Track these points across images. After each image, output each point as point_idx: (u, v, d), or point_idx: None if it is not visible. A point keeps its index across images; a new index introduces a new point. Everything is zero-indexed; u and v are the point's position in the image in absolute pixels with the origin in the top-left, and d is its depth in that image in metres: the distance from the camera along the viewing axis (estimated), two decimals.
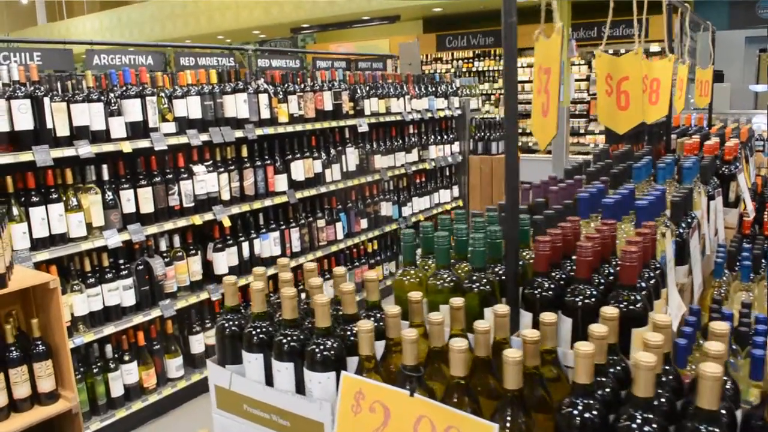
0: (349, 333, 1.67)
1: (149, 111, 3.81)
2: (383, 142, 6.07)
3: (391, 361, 1.61)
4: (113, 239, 3.63)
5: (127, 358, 3.85)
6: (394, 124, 6.22)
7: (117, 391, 3.81)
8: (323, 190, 5.23)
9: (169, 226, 3.97)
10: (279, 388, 1.63)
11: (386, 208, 6.12)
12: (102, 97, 3.66)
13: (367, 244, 5.93)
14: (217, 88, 4.24)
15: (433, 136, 6.86)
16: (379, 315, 1.79)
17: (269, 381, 1.68)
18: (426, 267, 1.96)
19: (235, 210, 4.42)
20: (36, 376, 2.95)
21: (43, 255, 3.39)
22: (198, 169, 4.15)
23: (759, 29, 14.11)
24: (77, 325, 3.59)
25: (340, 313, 1.76)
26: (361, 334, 1.52)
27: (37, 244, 3.40)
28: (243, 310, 1.85)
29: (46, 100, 3.41)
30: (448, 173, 7.21)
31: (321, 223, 5.27)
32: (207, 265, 4.33)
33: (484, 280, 1.76)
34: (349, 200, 5.69)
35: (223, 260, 4.36)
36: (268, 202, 4.69)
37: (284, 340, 1.63)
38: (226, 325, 1.78)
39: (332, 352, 1.57)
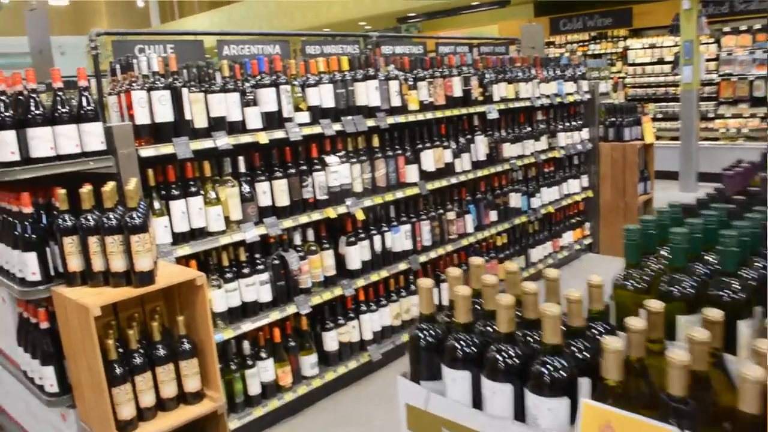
0: (578, 349, 1.38)
1: (283, 100, 3.66)
2: (511, 130, 5.72)
3: (633, 386, 1.30)
4: (251, 233, 3.51)
5: (263, 355, 3.74)
6: (522, 110, 5.85)
7: (254, 389, 3.71)
8: (453, 180, 4.95)
9: (303, 219, 3.82)
10: (491, 413, 1.37)
11: (515, 200, 5.76)
12: (238, 87, 3.55)
13: (496, 237, 5.60)
14: (348, 75, 4.05)
15: (561, 123, 6.43)
16: (601, 328, 1.49)
17: (476, 403, 1.42)
18: (649, 269, 1.64)
19: (368, 202, 4.22)
20: (182, 374, 2.86)
21: (184, 249, 3.31)
22: (331, 160, 3.98)
23: None
24: (216, 321, 3.51)
25: (525, 319, 1.46)
26: (608, 354, 1.22)
27: (178, 238, 3.33)
28: (437, 318, 1.60)
29: (185, 90, 3.32)
30: (576, 162, 6.75)
31: (451, 215, 5.00)
32: (338, 259, 4.17)
33: (739, 287, 1.42)
34: (479, 191, 5.38)
35: (356, 254, 4.18)
36: (399, 194, 4.46)
37: (501, 357, 1.35)
38: (422, 335, 1.53)
39: (565, 373, 1.29)
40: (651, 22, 11.42)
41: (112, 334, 2.68)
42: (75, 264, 2.68)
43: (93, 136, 2.83)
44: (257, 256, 3.64)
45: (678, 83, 11.61)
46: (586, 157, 6.84)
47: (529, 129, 5.93)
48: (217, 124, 3.46)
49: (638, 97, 12.06)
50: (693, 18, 9.47)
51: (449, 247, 4.98)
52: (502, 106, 5.44)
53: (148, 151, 3.17)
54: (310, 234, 3.95)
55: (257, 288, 3.61)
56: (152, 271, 2.66)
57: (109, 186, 2.66)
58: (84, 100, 2.80)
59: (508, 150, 5.61)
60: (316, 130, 3.84)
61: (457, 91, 4.92)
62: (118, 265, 2.63)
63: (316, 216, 3.89)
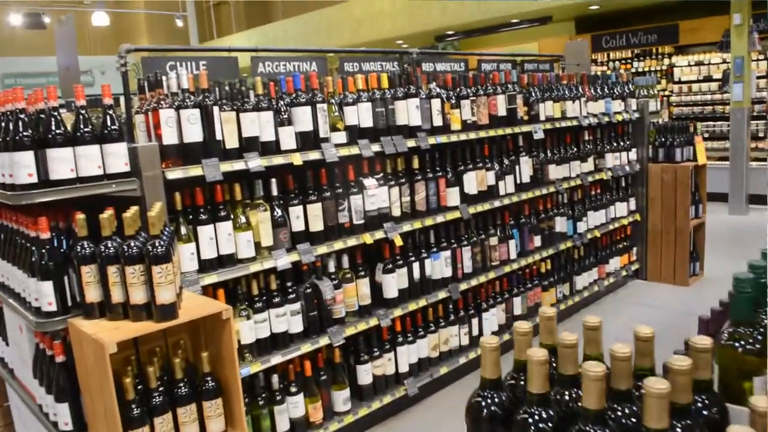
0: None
1: (320, 119, 3.45)
2: (557, 150, 5.43)
3: None
4: (283, 260, 3.29)
5: (293, 389, 3.50)
6: (568, 129, 5.56)
7: (283, 425, 3.47)
8: (496, 204, 4.68)
9: (338, 245, 3.59)
10: None
11: (560, 224, 5.46)
12: (272, 105, 3.35)
13: (540, 263, 5.30)
14: (388, 93, 3.83)
15: (608, 143, 6.12)
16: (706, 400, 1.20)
17: None
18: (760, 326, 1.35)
19: (407, 227, 3.98)
20: (205, 416, 2.63)
21: (211, 278, 3.10)
22: (369, 182, 3.76)
23: None
24: (243, 353, 3.28)
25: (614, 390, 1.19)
26: None
27: (205, 266, 3.12)
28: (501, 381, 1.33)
29: (216, 109, 3.13)
30: (623, 184, 6.41)
31: (493, 240, 4.72)
32: (374, 287, 3.92)
33: None
34: (522, 215, 5.09)
35: (393, 283, 3.93)
36: (440, 219, 4.21)
37: None
38: (484, 404, 1.27)
39: None
40: (698, 38, 11.02)
41: (131, 371, 2.47)
42: (93, 295, 2.48)
43: (117, 157, 2.65)
44: (289, 284, 3.42)
45: (726, 101, 11.18)
46: (633, 179, 6.50)
47: (576, 150, 5.63)
48: (249, 145, 3.25)
49: (684, 116, 11.63)
50: (744, 33, 9.07)
51: (491, 275, 4.70)
52: (548, 126, 5.17)
53: (175, 173, 2.98)
54: (345, 261, 3.71)
55: (288, 318, 3.38)
56: (174, 304, 2.45)
57: (131, 211, 2.47)
58: (108, 119, 2.62)
59: (554, 172, 5.32)
60: (353, 151, 3.62)
61: (502, 110, 4.67)
62: (139, 297, 2.42)
63: (352, 242, 3.66)
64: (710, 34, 10.59)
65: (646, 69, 12.00)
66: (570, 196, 5.68)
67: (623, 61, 12.22)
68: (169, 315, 2.42)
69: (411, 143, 3.94)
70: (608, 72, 11.92)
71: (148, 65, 3.64)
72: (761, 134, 10.91)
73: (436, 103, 4.12)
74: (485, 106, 4.53)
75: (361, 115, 3.67)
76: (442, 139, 4.17)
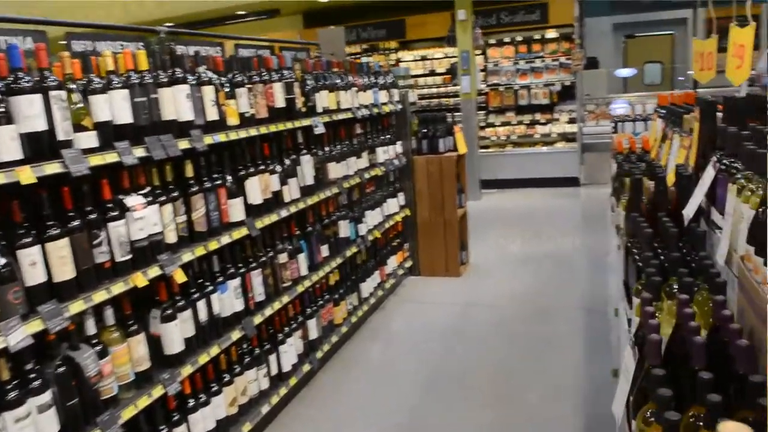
0: None
1: (56, 114, 2.31)
2: (334, 146, 4.83)
3: None
4: (16, 335, 2.11)
5: None
6: (343, 123, 4.99)
7: None
8: (283, 213, 3.90)
9: (100, 296, 2.49)
10: None
11: (344, 228, 4.88)
12: None
13: (330, 276, 4.66)
14: (148, 78, 2.80)
15: (377, 136, 5.72)
16: None
17: None
18: None
19: (187, 256, 3.00)
20: None
21: None
22: (133, 201, 2.70)
23: (624, 15, 14.34)
24: None
25: None
26: None
27: None
28: None
29: None
30: (392, 178, 6.10)
31: (283, 257, 3.94)
32: (152, 343, 2.88)
33: None
34: (308, 223, 4.39)
35: (177, 332, 2.93)
36: (225, 239, 3.30)
37: None
38: None
39: None
40: (425, 33, 11.39)
41: None
42: None
43: None
44: (30, 367, 2.24)
45: (449, 94, 11.79)
46: (401, 172, 6.22)
47: (351, 144, 5.10)
48: None
49: (413, 109, 11.99)
50: (468, 29, 9.51)
51: (285, 298, 3.92)
52: (327, 119, 4.53)
53: None
54: (110, 315, 2.62)
55: (35, 419, 2.21)
56: None
57: None
58: None
59: (335, 170, 4.71)
60: (110, 158, 2.54)
61: (280, 101, 3.90)
62: None
63: (118, 288, 2.58)
64: (436, 30, 11.01)
65: (374, 64, 12.12)
66: (349, 196, 5.14)
67: (354, 56, 12.17)
68: None
69: (184, 144, 2.97)
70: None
71: None
72: (482, 124, 11.69)
73: (208, 92, 3.19)
74: (263, 96, 3.72)
75: (116, 107, 2.59)
76: (220, 137, 3.26)
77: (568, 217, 8.75)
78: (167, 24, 11.84)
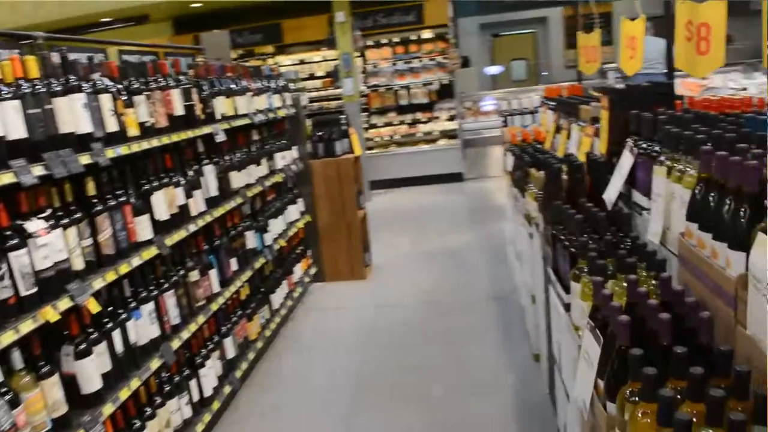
0: None
1: None
2: (234, 154, 4.61)
3: None
4: None
5: None
6: (241, 129, 4.78)
7: None
8: (192, 228, 3.65)
9: (8, 337, 2.18)
10: None
11: (251, 239, 4.67)
12: None
13: (241, 290, 4.44)
14: (40, 87, 2.50)
15: (274, 142, 5.54)
16: None
17: None
18: None
19: (98, 282, 2.71)
20: None
21: None
22: (34, 225, 2.39)
23: (490, 16, 15.01)
24: None
25: None
26: None
27: None
28: None
29: None
30: (290, 184, 5.94)
31: (194, 275, 3.69)
32: (67, 383, 2.57)
33: None
34: (215, 236, 4.15)
35: (92, 368, 2.64)
36: (136, 260, 3.03)
37: None
38: None
39: None
40: (302, 37, 11.22)
41: None
42: None
43: None
44: None
45: (330, 98, 11.72)
46: (298, 178, 6.07)
47: (249, 151, 4.90)
48: None
49: (306, 113, 11.82)
50: (348, 31, 9.50)
51: (200, 319, 3.67)
52: (226, 126, 4.31)
53: None
54: (18, 358, 2.31)
55: None
56: None
57: None
58: None
59: (237, 179, 4.50)
60: (5, 179, 2.23)
61: (179, 109, 3.65)
62: None
63: (27, 326, 2.27)
64: (313, 33, 10.89)
65: None
66: (252, 205, 4.93)
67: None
68: None
69: (85, 159, 2.68)
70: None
71: None
72: (365, 125, 11.73)
73: (106, 101, 2.91)
74: (162, 104, 3.46)
75: (8, 120, 2.29)
76: (122, 149, 2.98)
77: (458, 212, 8.94)
78: (25, 32, 10.88)
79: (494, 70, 16.47)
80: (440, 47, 11.05)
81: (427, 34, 11.09)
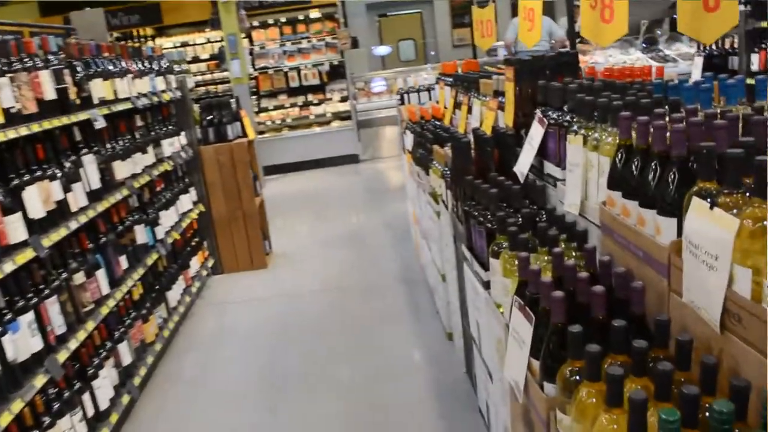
0: None
1: None
2: (116, 142, 4.22)
3: None
4: None
5: None
6: (122, 114, 4.38)
7: None
8: (73, 225, 3.29)
9: None
10: None
11: (140, 234, 4.31)
12: None
13: (133, 290, 4.09)
14: None
15: (160, 128, 5.15)
16: None
17: None
18: None
19: None
20: None
21: None
22: None
23: None
24: None
25: None
26: None
27: None
28: None
29: None
30: (180, 173, 5.57)
31: (79, 277, 3.33)
32: None
33: None
34: (101, 233, 3.78)
35: None
36: (8, 266, 2.66)
37: None
38: None
39: None
40: (183, 18, 10.63)
41: None
42: None
43: None
44: None
45: (216, 81, 11.23)
46: (188, 165, 5.71)
47: (134, 138, 4.51)
48: None
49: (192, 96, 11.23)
50: (232, 10, 9.07)
51: (90, 325, 3.32)
52: (105, 111, 3.93)
53: None
54: None
55: None
56: None
57: None
58: None
59: (121, 169, 4.12)
60: None
61: (50, 92, 3.25)
62: None
63: None
64: (195, 14, 10.33)
65: None
66: (140, 197, 4.56)
67: None
68: None
69: None
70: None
71: None
72: (255, 109, 11.33)
73: None
74: (29, 87, 3.06)
75: None
76: None
77: (356, 194, 8.83)
78: None
79: (383, 50, 16.44)
80: (329, 27, 10.83)
81: (315, 13, 10.83)
